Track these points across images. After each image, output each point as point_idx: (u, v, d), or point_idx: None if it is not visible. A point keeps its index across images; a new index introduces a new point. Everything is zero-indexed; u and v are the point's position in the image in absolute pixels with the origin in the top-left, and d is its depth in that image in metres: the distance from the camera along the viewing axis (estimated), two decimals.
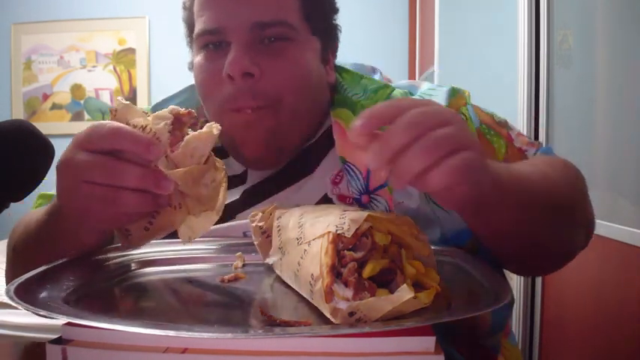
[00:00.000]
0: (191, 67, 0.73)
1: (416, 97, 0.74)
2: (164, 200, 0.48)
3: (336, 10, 0.74)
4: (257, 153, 0.68)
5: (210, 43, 0.67)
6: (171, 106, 0.50)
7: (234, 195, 0.71)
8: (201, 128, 0.77)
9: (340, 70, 0.79)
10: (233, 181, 0.72)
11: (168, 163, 0.48)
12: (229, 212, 0.69)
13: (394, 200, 0.66)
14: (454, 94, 0.72)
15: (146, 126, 0.47)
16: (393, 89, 0.74)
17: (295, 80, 0.67)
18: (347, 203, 0.67)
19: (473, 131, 0.70)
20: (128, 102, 0.49)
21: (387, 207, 0.66)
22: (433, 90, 0.74)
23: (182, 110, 0.50)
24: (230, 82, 0.65)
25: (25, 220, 0.66)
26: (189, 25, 0.72)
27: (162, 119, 0.48)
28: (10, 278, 0.64)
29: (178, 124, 0.49)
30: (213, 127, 0.49)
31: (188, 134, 0.49)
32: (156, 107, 0.81)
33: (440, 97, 0.70)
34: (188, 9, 0.72)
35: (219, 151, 0.75)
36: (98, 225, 0.51)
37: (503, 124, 0.74)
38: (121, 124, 0.46)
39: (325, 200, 0.68)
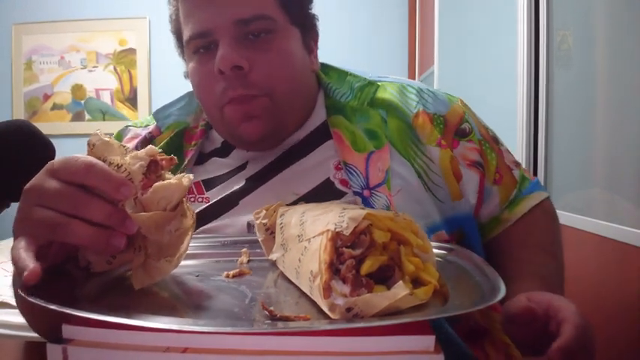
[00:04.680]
0: (187, 75, 0.75)
1: (414, 88, 0.77)
2: (118, 243, 0.45)
3: (311, 0, 0.77)
4: (256, 135, 0.70)
5: (200, 47, 0.70)
6: (150, 146, 0.49)
7: (238, 183, 0.74)
8: (201, 130, 0.78)
9: (327, 68, 0.81)
10: (236, 172, 0.76)
11: (136, 205, 0.47)
12: (234, 199, 0.72)
13: (393, 188, 0.69)
14: (452, 100, 0.78)
15: (121, 165, 0.46)
16: (378, 86, 0.77)
17: (283, 69, 0.70)
18: (348, 187, 0.69)
19: (476, 144, 0.76)
20: (108, 138, 0.48)
21: (388, 201, 0.68)
22: (431, 91, 0.78)
23: (160, 154, 0.49)
24: (222, 77, 0.68)
25: None
26: (178, 35, 0.75)
27: (139, 160, 0.47)
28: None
29: (155, 167, 0.49)
30: (184, 179, 0.48)
31: (165, 178, 0.49)
32: (157, 114, 0.83)
33: (443, 105, 0.76)
34: (175, 20, 0.75)
35: (224, 148, 0.77)
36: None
37: (495, 140, 0.79)
38: (97, 161, 0.46)
39: (327, 184, 0.71)
